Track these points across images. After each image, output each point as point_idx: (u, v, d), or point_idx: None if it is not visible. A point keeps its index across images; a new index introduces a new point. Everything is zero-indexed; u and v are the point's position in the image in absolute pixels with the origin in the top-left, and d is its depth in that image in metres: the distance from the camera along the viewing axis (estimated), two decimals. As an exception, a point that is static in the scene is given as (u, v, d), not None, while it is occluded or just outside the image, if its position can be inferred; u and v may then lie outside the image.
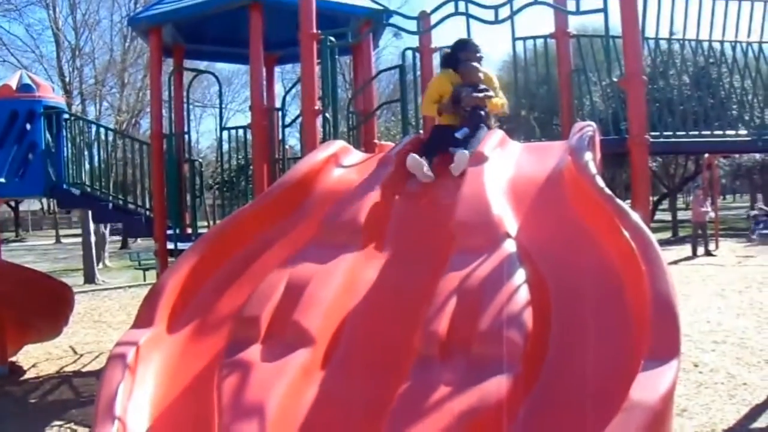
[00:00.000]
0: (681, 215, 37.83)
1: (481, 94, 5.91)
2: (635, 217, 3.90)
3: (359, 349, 3.95)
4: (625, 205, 4.11)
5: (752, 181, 56.53)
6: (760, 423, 7.36)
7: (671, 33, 7.39)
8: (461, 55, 6.21)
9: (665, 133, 6.85)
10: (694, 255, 24.23)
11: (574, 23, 7.79)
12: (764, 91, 7.72)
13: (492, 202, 4.64)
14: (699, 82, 7.99)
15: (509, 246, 4.24)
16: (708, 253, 24.50)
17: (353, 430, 3.52)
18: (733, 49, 7.48)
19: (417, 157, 5.26)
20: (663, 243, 30.23)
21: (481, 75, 6.05)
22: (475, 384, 3.29)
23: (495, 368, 3.35)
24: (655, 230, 29.30)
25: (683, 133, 6.97)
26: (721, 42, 7.38)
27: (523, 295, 3.77)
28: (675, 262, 22.44)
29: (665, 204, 43.56)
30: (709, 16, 7.11)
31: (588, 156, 4.67)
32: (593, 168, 4.53)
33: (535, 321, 3.63)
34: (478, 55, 6.28)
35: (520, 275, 3.92)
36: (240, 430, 3.30)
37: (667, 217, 39.38)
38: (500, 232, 4.36)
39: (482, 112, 5.89)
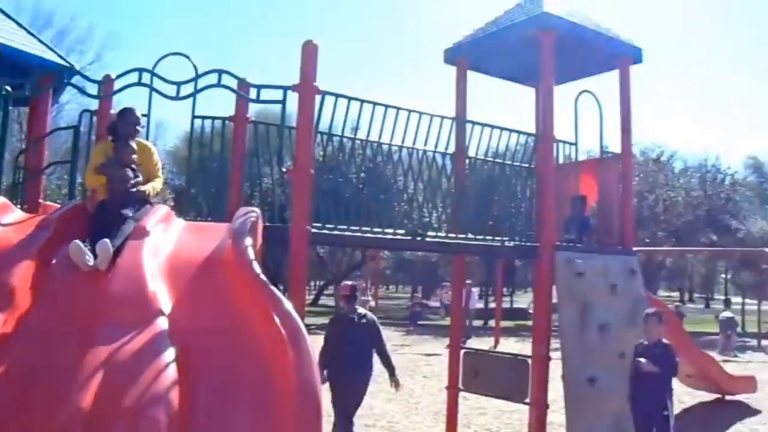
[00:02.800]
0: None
1: (128, 180, 5.74)
2: (287, 304, 4.02)
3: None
4: (279, 292, 4.20)
5: (413, 274, 60.09)
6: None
7: (344, 130, 7.76)
8: (119, 124, 6.07)
9: (328, 225, 7.13)
10: (353, 341, 25.01)
11: (255, 107, 7.93)
12: (424, 192, 8.27)
13: (148, 277, 4.61)
14: (372, 179, 8.45)
15: (161, 323, 4.25)
16: (367, 341, 25.36)
17: None
18: (400, 151, 7.97)
19: (80, 245, 4.92)
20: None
21: (134, 156, 5.89)
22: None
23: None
24: (318, 314, 30.08)
25: (345, 227, 7.27)
26: (389, 145, 7.84)
27: (171, 374, 3.76)
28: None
29: (330, 290, 45.04)
30: (381, 119, 7.55)
31: (248, 241, 4.74)
32: (251, 253, 4.61)
33: (182, 400, 3.62)
34: (136, 127, 6.21)
35: (169, 354, 3.92)
36: None
37: (332, 302, 40.64)
38: (154, 308, 4.36)
39: (134, 190, 5.74)
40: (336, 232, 7.16)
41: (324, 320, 33.17)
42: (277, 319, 3.94)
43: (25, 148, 9.49)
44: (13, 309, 4.39)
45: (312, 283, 59.47)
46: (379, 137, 7.66)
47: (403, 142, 7.88)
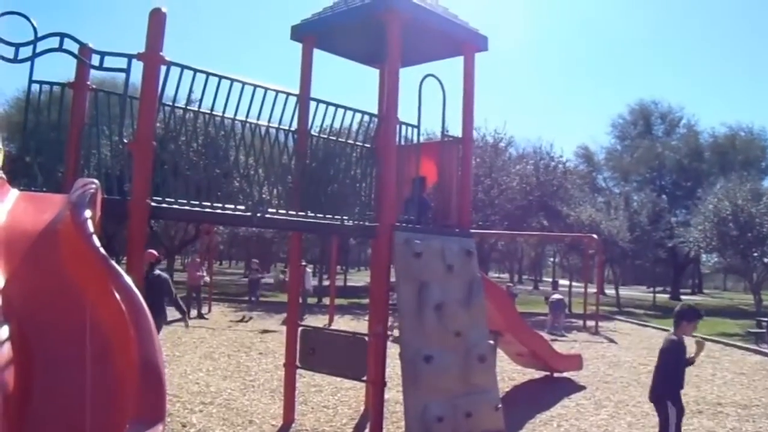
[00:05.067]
0: (177, 277, 38.58)
1: None
2: (128, 280, 3.91)
3: None
4: (119, 267, 4.09)
5: (248, 250, 59.78)
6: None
7: (189, 102, 7.62)
8: None
9: (168, 199, 7.00)
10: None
11: (96, 74, 7.67)
12: (265, 169, 8.25)
13: (-23, 250, 4.36)
14: (207, 152, 8.33)
15: (-5, 300, 4.01)
16: (201, 316, 25.26)
17: None
18: (243, 126, 7.91)
19: None
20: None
21: None
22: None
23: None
24: (148, 289, 29.07)
25: (185, 201, 7.16)
26: (232, 119, 7.77)
27: (5, 353, 3.58)
28: (168, 323, 22.70)
29: (163, 264, 44.16)
30: (226, 93, 7.46)
31: (88, 213, 4.57)
32: (91, 227, 4.45)
33: (18, 380, 3.47)
34: None
35: (3, 331, 3.73)
36: None
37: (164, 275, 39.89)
38: (-13, 284, 4.12)
39: None
40: (176, 207, 7.04)
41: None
42: (117, 295, 3.81)
43: None
44: None
45: (144, 258, 58.11)
46: (223, 111, 7.58)
47: (247, 117, 7.83)
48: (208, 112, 7.59)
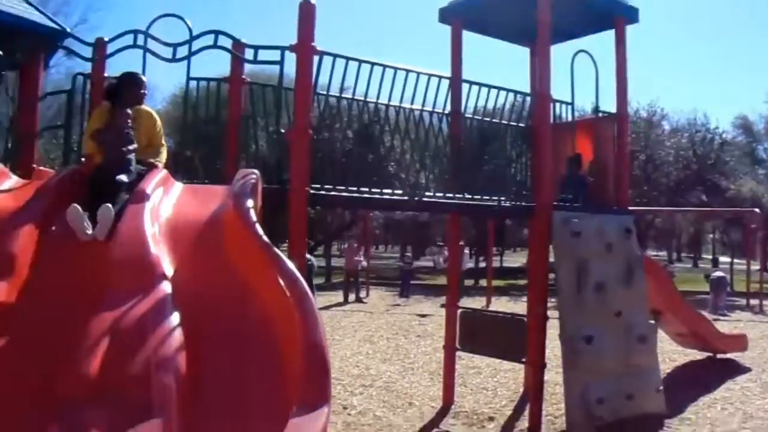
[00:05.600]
0: (335, 262, 39.29)
1: (123, 146, 5.58)
2: (292, 267, 3.99)
3: (4, 388, 3.67)
4: (283, 255, 4.18)
5: (403, 234, 60.16)
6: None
7: (342, 90, 7.71)
8: (123, 89, 5.94)
9: (326, 186, 7.13)
10: (346, 301, 25.20)
11: (249, 68, 7.89)
12: (419, 153, 8.28)
13: (150, 242, 4.56)
14: (362, 139, 8.43)
15: (165, 287, 4.21)
16: (359, 300, 25.63)
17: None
18: (397, 113, 7.96)
19: (79, 210, 4.81)
20: (317, 288, 31.21)
21: (129, 122, 5.72)
22: (127, 428, 3.24)
23: (147, 412, 3.32)
24: (310, 275, 29.74)
25: (343, 187, 7.27)
26: (386, 105, 7.82)
27: (177, 338, 3.75)
28: (327, 308, 23.24)
29: (320, 250, 45.02)
30: (378, 79, 7.52)
31: (250, 203, 4.71)
32: (254, 216, 4.59)
33: (189, 365, 3.61)
34: (141, 91, 6.10)
35: (174, 318, 3.91)
36: None
37: (322, 263, 40.72)
38: (157, 272, 4.31)
39: (129, 156, 5.59)
40: (334, 193, 7.16)
41: (317, 281, 33.27)
42: (281, 281, 3.91)
43: (17, 113, 9.39)
44: (15, 277, 4.33)
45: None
46: (377, 98, 7.64)
47: (400, 102, 7.87)
48: (362, 99, 7.66)
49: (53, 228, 4.89)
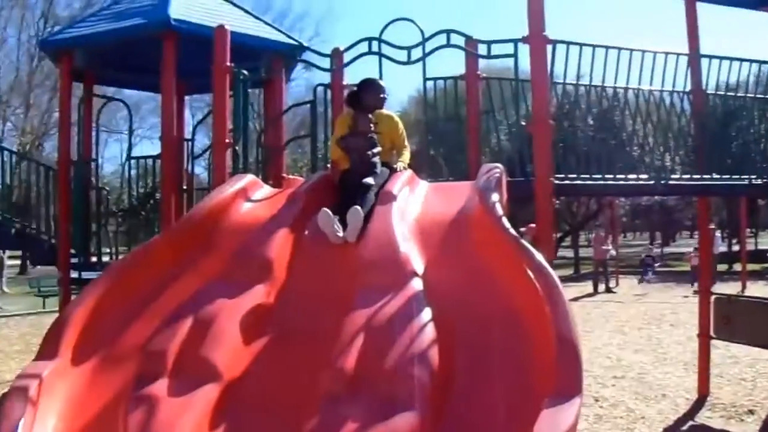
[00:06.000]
0: (583, 252, 38.61)
1: (369, 152, 5.81)
2: (540, 258, 3.98)
3: (266, 385, 3.96)
4: (531, 246, 4.18)
5: (650, 220, 58.20)
6: (654, 456, 7.53)
7: (578, 77, 7.60)
8: (363, 95, 6.18)
9: (570, 176, 7.05)
10: (595, 292, 24.78)
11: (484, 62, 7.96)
12: (662, 135, 8.01)
13: (399, 240, 4.72)
14: (602, 125, 8.26)
15: (416, 284, 4.32)
16: (609, 290, 25.08)
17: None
18: (636, 96, 7.75)
19: (329, 213, 5.10)
20: (565, 280, 30.81)
21: (372, 126, 5.94)
22: (382, 420, 3.34)
23: (401, 405, 3.40)
24: (557, 267, 29.76)
25: (587, 175, 7.17)
26: (624, 89, 7.63)
27: (429, 333, 3.83)
28: (576, 299, 22.92)
29: (568, 241, 44.41)
30: (614, 63, 7.36)
31: (495, 197, 4.76)
32: (500, 210, 4.63)
33: (440, 359, 3.69)
34: (381, 96, 6.30)
35: (426, 314, 3.99)
36: (145, 466, 3.26)
37: (570, 254, 40.14)
38: (407, 270, 4.43)
39: (374, 159, 5.82)
40: (578, 183, 7.07)
41: (565, 272, 32.88)
42: (530, 274, 3.90)
43: (264, 128, 10.00)
44: (273, 281, 4.64)
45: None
46: (614, 81, 7.47)
47: (639, 84, 7.65)
48: (599, 84, 7.52)
49: (306, 232, 5.18)
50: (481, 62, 7.78)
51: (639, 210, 52.82)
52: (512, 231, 4.35)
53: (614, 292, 24.83)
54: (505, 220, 4.48)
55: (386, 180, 5.65)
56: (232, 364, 3.95)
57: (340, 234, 5.03)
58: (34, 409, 3.60)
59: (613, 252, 27.17)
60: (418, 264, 4.56)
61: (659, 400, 9.78)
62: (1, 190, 10.64)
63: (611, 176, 7.29)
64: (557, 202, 38.18)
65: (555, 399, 3.13)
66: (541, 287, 3.75)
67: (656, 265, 29.71)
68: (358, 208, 5.10)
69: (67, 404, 3.85)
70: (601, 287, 25.13)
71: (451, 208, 5.28)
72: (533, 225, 5.62)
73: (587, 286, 25.87)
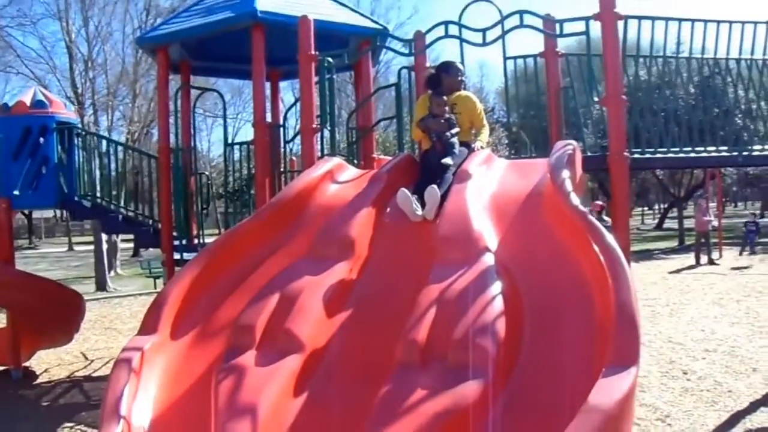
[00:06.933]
0: (688, 223, 37.83)
1: (448, 132, 5.99)
2: (605, 232, 4.13)
3: (346, 355, 4.27)
4: (597, 221, 4.33)
5: (762, 189, 56.35)
6: (738, 429, 7.58)
7: (652, 50, 7.66)
8: (443, 77, 6.40)
9: (648, 149, 7.15)
10: (697, 264, 24.37)
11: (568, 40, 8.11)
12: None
13: (473, 217, 4.94)
14: (704, 94, 8.30)
15: (488, 259, 4.53)
16: (711, 262, 24.62)
17: (338, 430, 3.81)
18: (737, 63, 7.84)
19: (408, 193, 5.37)
20: (669, 252, 30.37)
21: (446, 108, 6.12)
22: (450, 388, 3.59)
23: (469, 374, 3.64)
24: (662, 238, 29.73)
25: (666, 149, 7.24)
26: (726, 59, 7.73)
27: (498, 306, 4.04)
28: (678, 271, 22.64)
29: (674, 212, 43.48)
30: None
31: (565, 174, 4.88)
32: (569, 186, 4.75)
33: (508, 330, 3.90)
34: (459, 78, 6.52)
35: (496, 287, 4.20)
36: (234, 430, 3.61)
37: (676, 225, 39.33)
38: (480, 246, 4.65)
39: (453, 140, 6.01)
40: (657, 156, 7.16)
41: (669, 244, 32.21)
42: (596, 248, 4.04)
43: (354, 109, 10.31)
44: (355, 258, 4.94)
45: (657, 207, 58.54)
46: (705, 52, 7.53)
47: (740, 53, 7.73)
48: (672, 56, 7.62)
49: (387, 211, 5.48)
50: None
51: (749, 180, 51.27)
52: (580, 207, 4.47)
53: (717, 264, 24.37)
54: (573, 196, 4.60)
55: (464, 159, 5.86)
56: (314, 336, 4.26)
57: (419, 212, 5.30)
58: (137, 378, 4.00)
59: (715, 223, 26.57)
60: (491, 240, 4.77)
61: (749, 374, 9.72)
62: (110, 179, 11.26)
63: (689, 149, 7.35)
64: (661, 173, 37.55)
65: (612, 368, 3.25)
66: (606, 260, 3.88)
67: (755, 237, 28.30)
68: (435, 187, 5.35)
69: (166, 374, 4.26)
70: (704, 259, 24.67)
71: (526, 185, 5.45)
72: (598, 201, 5.72)
73: (690, 258, 25.46)
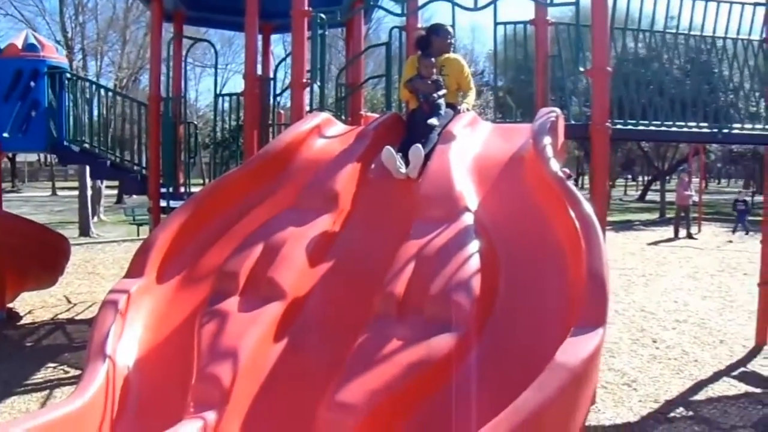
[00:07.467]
0: (670, 197, 38.09)
1: (435, 94, 6.11)
2: (581, 198, 4.26)
3: (326, 305, 4.43)
4: (573, 187, 4.47)
5: (746, 167, 56.60)
6: (700, 396, 7.82)
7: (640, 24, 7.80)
8: (432, 39, 6.50)
9: (630, 121, 7.29)
10: (676, 237, 24.69)
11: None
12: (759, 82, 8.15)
13: (455, 178, 5.06)
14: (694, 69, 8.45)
15: (467, 219, 4.66)
16: (689, 236, 24.88)
17: (315, 376, 3.93)
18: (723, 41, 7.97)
19: (392, 151, 5.48)
20: (649, 223, 30.62)
21: (434, 70, 6.22)
22: (424, 340, 3.74)
23: (443, 327, 3.79)
24: (643, 210, 29.79)
25: (647, 122, 7.39)
26: (701, 36, 7.85)
27: (475, 263, 4.18)
28: (656, 243, 22.90)
29: (657, 185, 43.74)
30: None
31: (547, 140, 5.01)
32: (550, 152, 4.88)
33: (483, 287, 4.05)
34: (448, 41, 6.63)
35: (473, 245, 4.34)
36: (214, 371, 3.76)
37: (658, 198, 39.60)
38: (460, 205, 4.78)
39: (439, 101, 6.13)
40: (638, 128, 7.29)
41: (650, 216, 32.35)
42: (572, 213, 4.17)
43: (344, 66, 10.37)
44: (338, 211, 5.07)
45: (641, 179, 58.73)
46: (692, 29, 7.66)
47: (726, 32, 7.87)
48: (660, 30, 7.75)
49: (372, 167, 5.60)
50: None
51: (733, 157, 51.45)
52: (559, 173, 4.59)
53: (695, 239, 24.66)
54: (554, 162, 4.74)
55: (449, 120, 5.98)
56: (296, 285, 4.39)
57: (403, 170, 5.43)
58: (122, 319, 4.15)
59: (696, 198, 26.80)
60: (471, 200, 4.90)
61: (716, 345, 9.98)
62: (99, 124, 11.31)
63: (670, 123, 7.49)
64: (647, 145, 37.66)
65: (579, 329, 3.39)
66: (580, 225, 4.02)
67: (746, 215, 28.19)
68: (419, 146, 5.48)
69: (151, 317, 4.42)
70: (683, 232, 24.95)
71: (509, 148, 5.57)
72: (565, 169, 5.85)
73: (669, 231, 25.76)
